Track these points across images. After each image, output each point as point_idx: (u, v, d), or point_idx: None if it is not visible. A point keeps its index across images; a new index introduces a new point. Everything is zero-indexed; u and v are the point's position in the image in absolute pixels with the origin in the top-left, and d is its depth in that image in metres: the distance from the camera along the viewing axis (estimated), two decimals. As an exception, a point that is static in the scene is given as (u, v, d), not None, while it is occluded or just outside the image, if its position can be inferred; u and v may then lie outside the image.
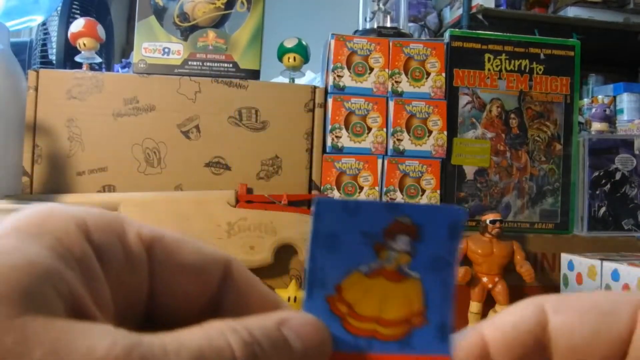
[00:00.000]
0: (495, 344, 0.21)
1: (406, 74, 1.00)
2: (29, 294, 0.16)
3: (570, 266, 0.86)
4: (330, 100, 0.98)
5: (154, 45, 0.99)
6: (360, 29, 1.15)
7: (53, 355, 0.15)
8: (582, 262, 0.83)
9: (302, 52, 1.04)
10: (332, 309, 0.21)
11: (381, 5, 1.14)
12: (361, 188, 0.98)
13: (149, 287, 0.20)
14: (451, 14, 2.51)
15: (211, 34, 1.00)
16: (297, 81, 1.07)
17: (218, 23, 1.01)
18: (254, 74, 1.01)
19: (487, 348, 0.21)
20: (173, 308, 0.21)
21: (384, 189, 0.98)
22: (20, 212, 0.19)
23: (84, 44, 0.99)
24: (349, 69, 0.99)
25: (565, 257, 0.89)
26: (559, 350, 0.20)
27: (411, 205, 0.21)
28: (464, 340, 0.22)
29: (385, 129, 0.99)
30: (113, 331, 0.16)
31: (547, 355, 0.21)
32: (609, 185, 1.07)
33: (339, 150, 0.98)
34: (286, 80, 1.07)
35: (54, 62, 1.21)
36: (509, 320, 0.21)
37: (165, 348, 0.16)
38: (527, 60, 1.05)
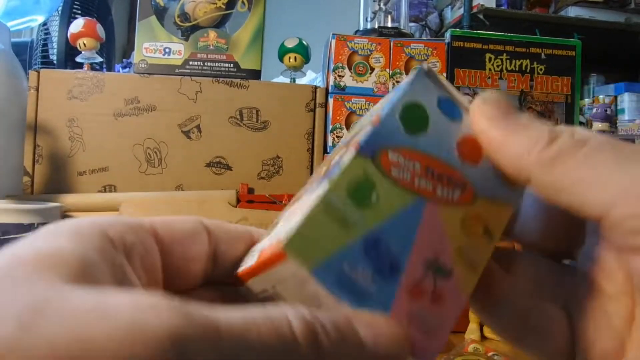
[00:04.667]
0: None
1: (407, 74, 1.00)
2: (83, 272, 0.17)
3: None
4: (331, 100, 0.98)
5: (154, 45, 0.99)
6: (361, 28, 1.15)
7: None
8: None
9: (303, 52, 1.04)
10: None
11: (382, 5, 1.14)
12: (362, 188, 0.97)
13: (162, 266, 0.22)
14: (452, 14, 2.51)
15: (212, 34, 1.00)
16: (298, 81, 1.07)
17: (219, 23, 1.01)
18: (255, 74, 1.01)
19: None
20: (182, 277, 0.23)
21: (385, 189, 0.98)
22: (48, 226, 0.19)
23: (84, 44, 0.99)
24: (349, 69, 0.99)
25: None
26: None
27: None
28: None
29: (386, 129, 0.99)
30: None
31: None
32: (610, 185, 1.07)
33: (339, 150, 0.98)
34: (287, 80, 1.07)
35: (55, 62, 1.21)
36: None
37: (216, 314, 0.16)
38: (528, 60, 1.05)
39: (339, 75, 0.99)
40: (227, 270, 0.24)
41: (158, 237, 0.22)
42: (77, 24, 1.00)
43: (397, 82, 1.00)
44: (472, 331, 0.94)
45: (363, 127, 0.24)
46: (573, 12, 2.35)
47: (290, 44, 1.04)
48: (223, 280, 0.24)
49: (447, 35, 1.05)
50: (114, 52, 1.44)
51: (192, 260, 0.23)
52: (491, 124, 0.23)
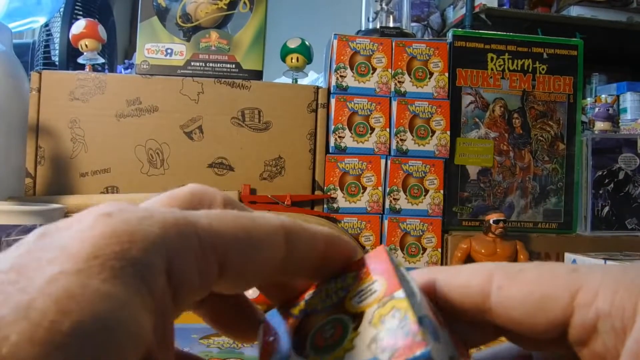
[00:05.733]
0: (441, 294, 0.23)
1: (409, 74, 1.00)
2: None
3: (574, 266, 0.86)
4: (333, 101, 0.98)
5: (156, 46, 0.99)
6: (363, 29, 1.15)
7: None
8: (585, 262, 0.83)
9: (305, 52, 1.04)
10: None
11: (384, 5, 1.14)
12: (364, 188, 0.97)
13: (217, 277, 0.20)
14: (454, 14, 2.51)
15: (214, 34, 1.00)
16: (300, 81, 1.07)
17: (221, 24, 1.01)
18: (257, 75, 1.01)
19: (434, 292, 0.23)
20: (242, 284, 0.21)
21: (387, 189, 0.98)
22: (96, 226, 0.17)
23: (86, 45, 0.99)
24: (351, 69, 0.99)
25: (568, 257, 0.88)
26: (499, 319, 0.22)
27: None
28: (418, 275, 0.24)
29: (388, 129, 0.99)
30: None
31: (488, 317, 0.23)
32: (612, 185, 1.07)
33: (342, 151, 0.98)
34: (289, 81, 1.07)
35: (57, 63, 1.21)
36: (458, 281, 0.23)
37: None
38: (530, 60, 1.05)
39: (341, 76, 0.99)
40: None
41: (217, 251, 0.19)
42: (79, 25, 1.00)
43: (399, 82, 1.00)
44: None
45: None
46: (575, 11, 2.34)
47: (293, 44, 1.04)
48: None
49: (449, 35, 1.05)
50: (116, 53, 1.44)
51: (258, 272, 0.21)
52: None
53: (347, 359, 0.20)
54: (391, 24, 1.14)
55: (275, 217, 0.22)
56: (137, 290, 0.16)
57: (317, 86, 1.00)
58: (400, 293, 0.21)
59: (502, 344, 0.25)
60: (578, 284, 0.21)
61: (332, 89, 0.99)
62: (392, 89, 1.00)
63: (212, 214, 0.20)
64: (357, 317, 0.21)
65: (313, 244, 0.23)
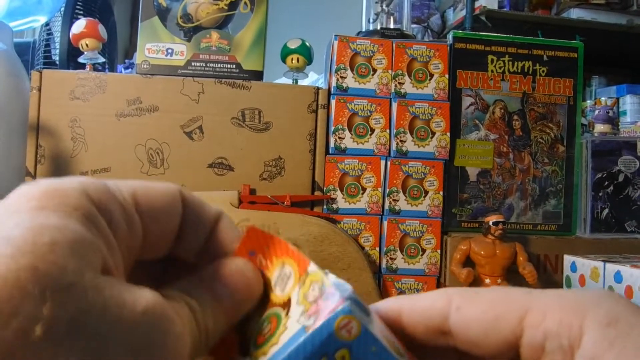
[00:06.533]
0: (407, 319, 0.25)
1: (409, 76, 1.00)
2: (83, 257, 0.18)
3: (573, 268, 0.86)
4: (333, 102, 0.98)
5: (157, 46, 0.99)
6: (364, 30, 1.15)
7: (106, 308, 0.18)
8: (584, 264, 0.83)
9: (306, 53, 1.04)
10: None
11: (384, 6, 1.14)
12: (364, 189, 0.98)
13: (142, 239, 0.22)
14: (454, 16, 2.51)
15: (214, 34, 1.00)
16: (301, 82, 1.07)
17: (221, 24, 1.01)
18: (257, 75, 1.01)
19: (400, 318, 0.25)
20: (154, 245, 0.24)
21: (387, 191, 0.98)
22: (22, 189, 0.20)
23: (86, 45, 0.99)
24: (352, 70, 0.99)
25: (568, 259, 0.88)
26: (458, 339, 0.24)
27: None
28: (384, 305, 0.25)
29: (388, 130, 0.99)
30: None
31: (449, 340, 0.24)
32: (611, 187, 1.07)
33: (342, 152, 0.98)
34: (289, 81, 1.07)
35: (57, 62, 1.21)
36: (421, 305, 0.25)
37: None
38: (530, 62, 1.05)
39: (341, 77, 0.99)
40: (187, 249, 0.25)
41: (138, 209, 0.22)
42: (79, 25, 1.00)
43: (399, 83, 1.00)
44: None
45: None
46: (575, 13, 2.34)
47: (293, 45, 1.04)
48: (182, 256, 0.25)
49: (450, 36, 1.05)
50: (117, 52, 1.44)
51: (164, 236, 0.24)
52: None
53: (282, 340, 0.22)
54: (392, 26, 1.14)
55: (172, 186, 0.25)
56: (84, 222, 0.19)
57: (318, 87, 1.00)
58: (312, 267, 0.23)
59: None
60: (528, 305, 0.22)
61: (332, 89, 0.99)
62: (392, 90, 1.00)
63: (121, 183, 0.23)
64: (286, 304, 0.23)
65: (205, 214, 0.25)
